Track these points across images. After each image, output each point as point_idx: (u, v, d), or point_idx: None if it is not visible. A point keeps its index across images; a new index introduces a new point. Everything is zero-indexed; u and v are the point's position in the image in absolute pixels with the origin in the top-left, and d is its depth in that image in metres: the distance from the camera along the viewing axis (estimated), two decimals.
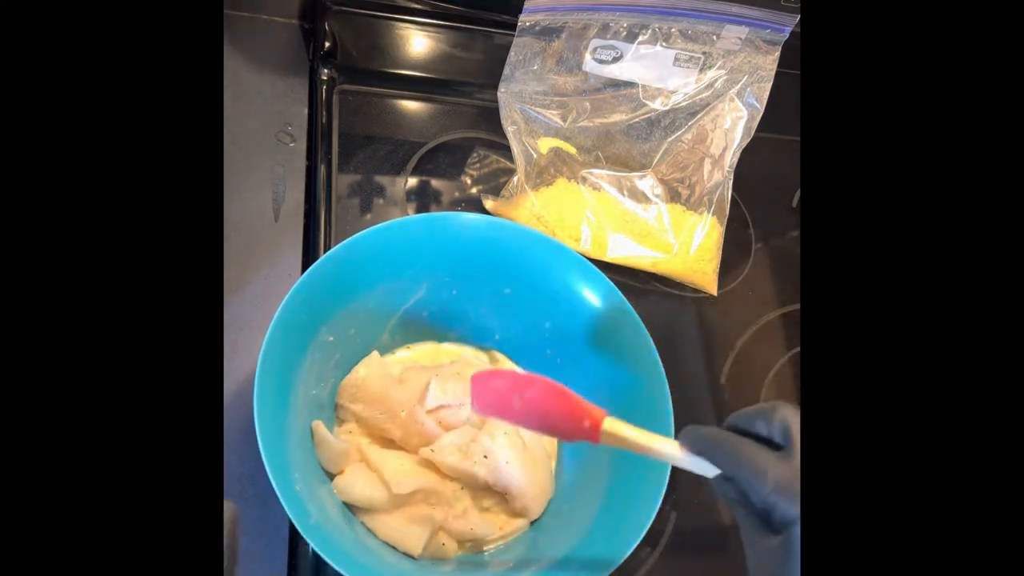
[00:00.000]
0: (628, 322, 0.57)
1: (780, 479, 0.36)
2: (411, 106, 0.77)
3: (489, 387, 0.47)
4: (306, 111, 0.73)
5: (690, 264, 0.73)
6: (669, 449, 0.42)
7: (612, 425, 0.44)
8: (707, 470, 0.40)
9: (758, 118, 0.71)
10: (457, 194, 0.73)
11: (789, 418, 0.38)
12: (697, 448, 0.41)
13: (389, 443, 0.56)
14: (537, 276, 0.59)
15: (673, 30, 0.68)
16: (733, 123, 0.71)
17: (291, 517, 0.44)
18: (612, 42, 0.68)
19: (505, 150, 0.73)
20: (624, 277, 0.72)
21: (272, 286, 0.63)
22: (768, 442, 0.39)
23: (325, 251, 0.55)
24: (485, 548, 0.55)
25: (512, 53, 0.68)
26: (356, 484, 0.52)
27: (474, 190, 0.74)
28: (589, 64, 0.69)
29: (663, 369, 0.55)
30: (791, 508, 0.35)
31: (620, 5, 0.66)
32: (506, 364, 0.63)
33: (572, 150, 0.73)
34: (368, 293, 0.57)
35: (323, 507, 0.49)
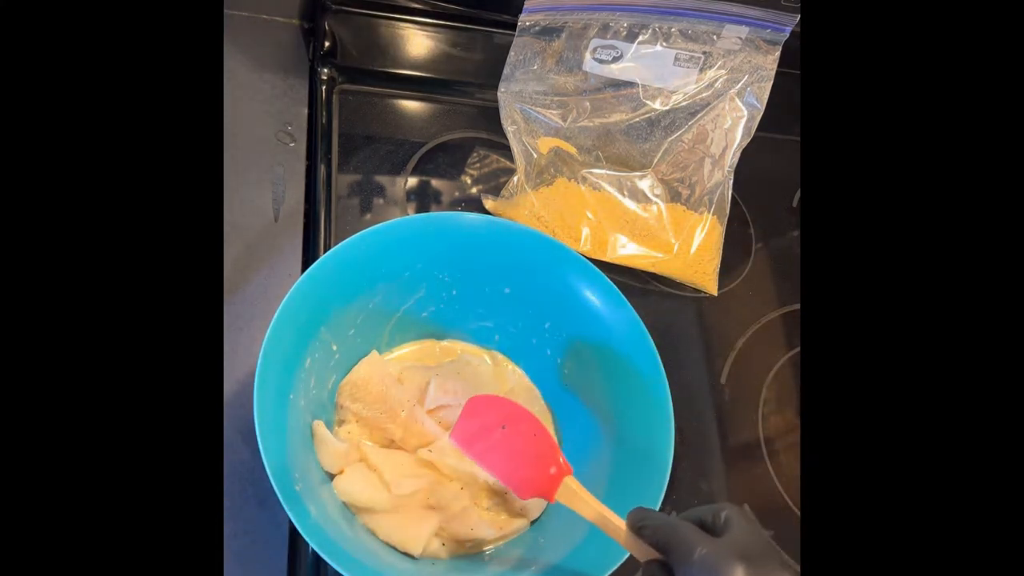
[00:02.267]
0: (628, 322, 0.57)
1: (706, 556, 0.38)
2: (411, 106, 0.77)
3: (479, 411, 0.50)
4: (306, 111, 0.73)
5: (690, 264, 0.73)
6: (616, 523, 0.45)
7: (572, 483, 0.47)
8: (643, 553, 0.43)
9: (758, 118, 0.71)
10: (457, 194, 0.73)
11: (733, 514, 0.40)
12: (639, 523, 0.43)
13: (389, 443, 0.56)
14: (537, 276, 0.59)
15: (673, 30, 0.68)
16: (733, 123, 0.71)
17: (291, 517, 0.44)
18: (612, 42, 0.68)
19: (505, 150, 0.73)
20: (624, 277, 0.72)
21: (272, 286, 0.63)
22: (710, 530, 0.41)
23: (325, 251, 0.55)
24: (485, 548, 0.55)
25: (512, 53, 0.68)
26: (356, 484, 0.52)
27: (474, 190, 0.74)
28: (589, 64, 0.69)
29: (663, 369, 0.55)
30: None
31: (620, 5, 0.66)
32: (506, 364, 0.63)
33: (572, 150, 0.73)
34: (368, 293, 0.57)
35: (323, 507, 0.49)
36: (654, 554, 0.42)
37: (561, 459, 0.48)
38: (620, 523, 0.45)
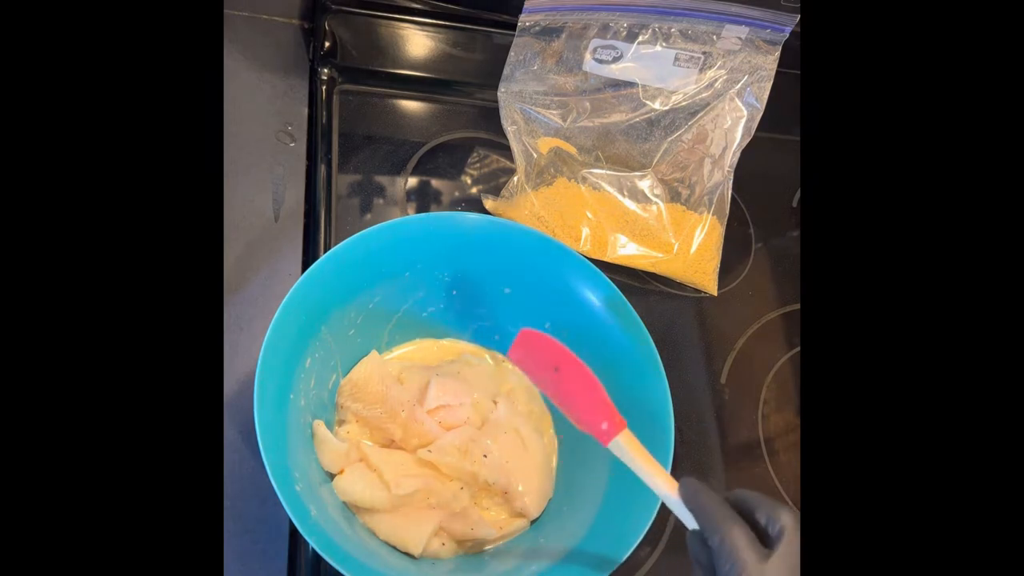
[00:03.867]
0: (628, 322, 0.57)
1: None
2: (411, 106, 0.77)
3: (533, 346, 0.48)
4: (306, 111, 0.73)
5: (690, 264, 0.73)
6: (666, 487, 0.43)
7: (626, 439, 0.45)
8: (691, 521, 0.41)
9: (758, 118, 0.71)
10: (457, 194, 0.73)
11: (790, 525, 0.37)
12: (691, 504, 0.41)
13: (389, 442, 0.56)
14: (537, 276, 0.59)
15: (673, 30, 0.68)
16: (733, 123, 0.71)
17: (291, 516, 0.44)
18: (612, 42, 0.68)
19: (505, 150, 0.73)
20: (624, 277, 0.72)
21: (272, 286, 0.63)
22: (761, 532, 0.39)
23: (325, 251, 0.55)
24: (485, 548, 0.55)
25: (512, 53, 0.68)
26: (356, 484, 0.52)
27: (474, 190, 0.74)
28: (589, 64, 0.69)
29: (663, 369, 0.55)
30: None
31: (620, 5, 0.66)
32: (506, 364, 0.63)
33: (572, 150, 0.73)
34: (368, 293, 0.57)
35: (323, 507, 0.49)
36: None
37: (613, 415, 0.46)
38: (670, 490, 0.43)
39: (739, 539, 0.37)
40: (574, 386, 0.47)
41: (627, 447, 0.45)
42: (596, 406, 0.46)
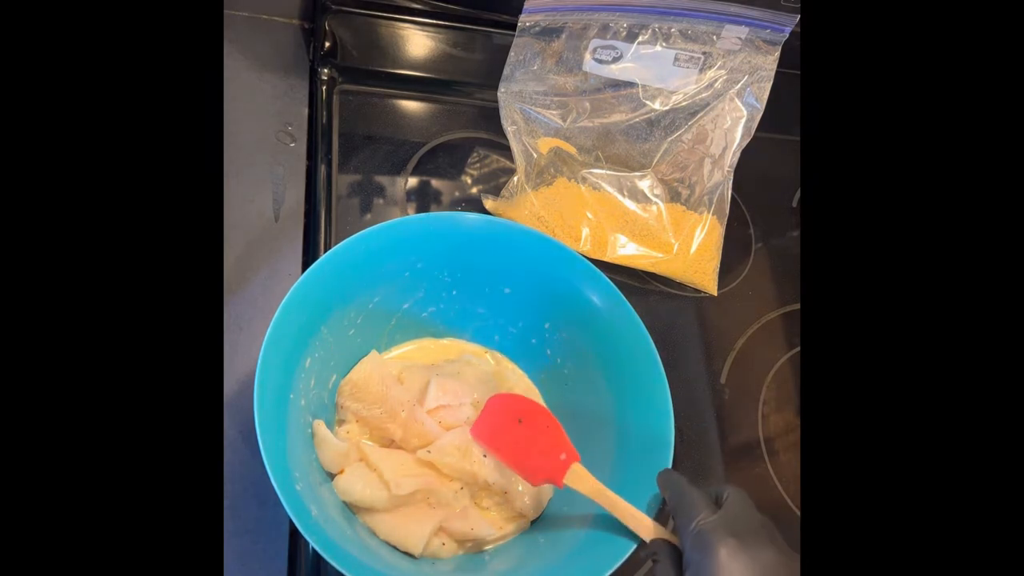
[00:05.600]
0: (628, 322, 0.57)
1: (704, 525, 0.44)
2: (411, 106, 0.77)
3: (497, 411, 0.54)
4: (306, 111, 0.73)
5: (690, 264, 0.73)
6: (621, 505, 0.49)
7: (580, 469, 0.51)
8: (647, 532, 0.48)
9: (758, 118, 0.71)
10: (457, 194, 0.73)
11: (733, 492, 0.46)
12: (664, 482, 0.49)
13: (389, 442, 0.56)
14: (537, 276, 0.59)
15: (673, 30, 0.68)
16: (733, 123, 0.71)
17: (292, 516, 0.44)
18: (612, 42, 0.68)
19: (505, 150, 0.73)
20: (624, 277, 0.72)
21: (272, 286, 0.63)
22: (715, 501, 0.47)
23: (325, 251, 0.55)
24: (485, 548, 0.55)
25: (512, 53, 0.68)
26: (356, 484, 0.52)
27: (474, 190, 0.74)
28: (589, 64, 0.69)
29: (663, 369, 0.55)
30: (695, 554, 0.43)
31: (620, 5, 0.66)
32: (506, 364, 0.63)
33: (572, 150, 0.73)
34: (368, 293, 0.57)
35: (323, 506, 0.49)
36: (657, 534, 0.48)
37: (570, 447, 0.52)
38: (624, 504, 0.49)
39: (694, 499, 0.46)
40: (536, 431, 0.53)
41: (583, 474, 0.51)
42: (557, 440, 0.52)
